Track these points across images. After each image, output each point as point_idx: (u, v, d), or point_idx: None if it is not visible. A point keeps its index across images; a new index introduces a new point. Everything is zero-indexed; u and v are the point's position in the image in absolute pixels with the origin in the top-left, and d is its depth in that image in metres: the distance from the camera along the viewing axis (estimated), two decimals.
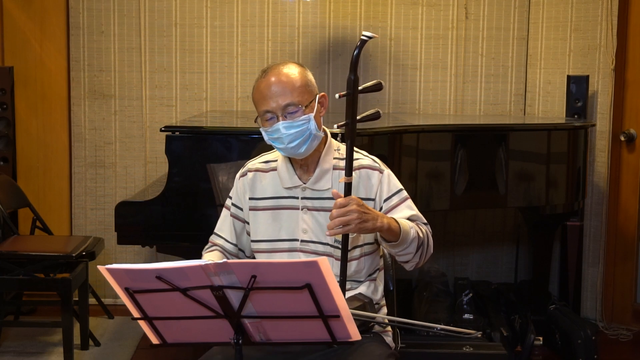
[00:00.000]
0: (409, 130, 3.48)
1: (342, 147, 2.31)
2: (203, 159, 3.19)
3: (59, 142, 4.61)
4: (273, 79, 2.20)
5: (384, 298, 2.39)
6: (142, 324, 1.90)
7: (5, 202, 4.01)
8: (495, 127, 3.91)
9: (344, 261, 2.14)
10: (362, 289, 2.28)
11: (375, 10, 4.59)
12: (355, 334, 1.84)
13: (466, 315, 3.94)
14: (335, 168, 2.27)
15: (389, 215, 2.19)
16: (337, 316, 1.79)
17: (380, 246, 2.33)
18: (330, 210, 2.10)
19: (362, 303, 2.25)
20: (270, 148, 2.39)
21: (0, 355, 3.87)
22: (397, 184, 2.29)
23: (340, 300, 1.77)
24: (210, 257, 2.33)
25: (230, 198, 2.39)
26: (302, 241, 2.26)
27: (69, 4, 4.54)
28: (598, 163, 4.45)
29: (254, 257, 2.40)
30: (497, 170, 3.71)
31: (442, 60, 4.63)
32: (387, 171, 2.29)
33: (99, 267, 1.81)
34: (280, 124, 2.18)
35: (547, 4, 4.54)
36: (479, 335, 2.04)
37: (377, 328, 2.33)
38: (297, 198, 2.27)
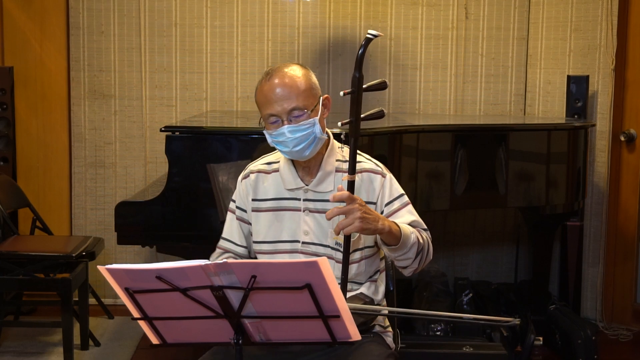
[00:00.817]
0: (409, 130, 3.48)
1: (345, 149, 2.30)
2: (203, 159, 3.19)
3: (59, 142, 4.61)
4: (277, 81, 2.18)
5: (384, 299, 2.39)
6: (142, 324, 1.90)
7: (5, 202, 4.01)
8: (495, 127, 3.91)
9: (346, 262, 2.13)
10: (363, 289, 2.28)
11: (375, 10, 4.59)
12: (355, 334, 1.84)
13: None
14: (337, 170, 2.27)
15: (390, 219, 2.19)
16: (337, 316, 1.79)
17: (381, 249, 2.33)
18: None
19: (362, 302, 2.25)
20: (271, 149, 2.39)
21: (0, 355, 3.87)
22: (399, 189, 2.29)
23: (340, 301, 1.77)
24: None
25: (234, 201, 2.38)
26: (304, 243, 2.26)
27: (69, 4, 4.54)
28: (598, 163, 4.45)
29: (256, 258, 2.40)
30: (497, 170, 3.72)
31: (442, 60, 4.63)
32: (390, 175, 2.29)
33: (99, 267, 1.81)
34: (285, 128, 2.17)
35: (547, 4, 4.54)
36: (517, 322, 2.01)
37: (377, 328, 2.33)
38: (299, 200, 2.27)
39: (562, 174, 3.90)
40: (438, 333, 3.70)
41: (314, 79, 2.25)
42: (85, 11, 4.55)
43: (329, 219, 2.07)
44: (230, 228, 2.38)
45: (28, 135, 4.57)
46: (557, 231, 4.38)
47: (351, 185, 2.10)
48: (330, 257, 2.22)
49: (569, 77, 4.35)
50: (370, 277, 2.31)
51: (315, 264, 1.70)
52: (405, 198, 2.28)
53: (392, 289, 2.50)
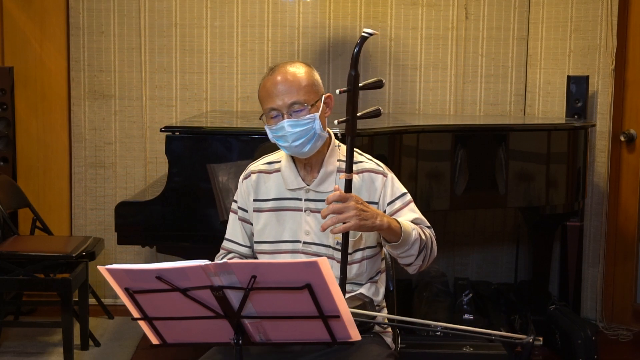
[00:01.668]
0: (409, 130, 3.48)
1: (343, 146, 2.30)
2: (203, 159, 3.19)
3: (59, 142, 4.61)
4: (279, 77, 2.20)
5: (384, 300, 2.39)
6: (142, 324, 1.90)
7: (5, 202, 4.01)
8: (495, 127, 3.91)
9: (344, 261, 2.13)
10: (363, 290, 2.28)
11: (375, 10, 4.59)
12: (355, 335, 1.84)
13: (466, 316, 3.94)
14: (339, 170, 2.27)
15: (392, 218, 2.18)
16: (337, 316, 1.79)
17: (382, 249, 2.33)
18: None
19: (362, 302, 2.25)
20: (271, 149, 2.39)
21: (0, 355, 3.87)
22: (401, 188, 2.29)
23: (340, 301, 1.77)
24: None
25: (236, 202, 2.38)
26: (305, 243, 2.26)
27: (69, 4, 4.54)
28: (598, 163, 4.45)
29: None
30: (497, 170, 3.72)
31: (442, 61, 4.63)
32: (391, 175, 2.29)
33: (99, 267, 1.81)
34: (285, 122, 2.17)
35: (547, 4, 4.54)
36: (531, 340, 2.01)
37: (377, 328, 2.33)
38: (301, 200, 2.27)
39: (562, 174, 3.90)
40: (438, 333, 3.70)
41: (317, 76, 2.26)
42: (85, 11, 4.55)
43: (323, 217, 2.07)
44: (233, 228, 2.38)
45: (28, 135, 4.57)
46: (557, 231, 4.38)
47: (349, 184, 2.10)
48: (331, 257, 2.22)
49: (569, 77, 4.35)
50: (372, 278, 2.31)
51: (315, 264, 1.70)
52: (408, 197, 2.28)
53: (392, 289, 2.50)
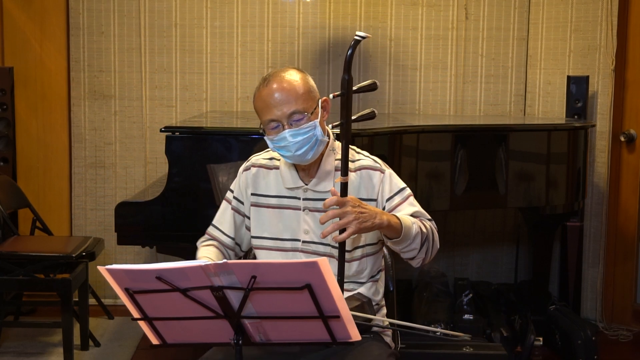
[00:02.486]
0: (409, 130, 3.48)
1: (338, 148, 2.30)
2: (203, 159, 3.19)
3: (59, 143, 4.61)
4: (275, 86, 2.18)
5: (383, 299, 2.39)
6: (142, 324, 1.90)
7: (5, 202, 4.01)
8: (495, 128, 3.91)
9: (342, 261, 2.14)
10: (363, 290, 2.28)
11: (375, 10, 4.59)
12: (355, 335, 1.84)
13: (466, 316, 3.94)
14: (337, 169, 2.27)
15: (392, 213, 2.18)
16: (337, 316, 1.79)
17: (383, 246, 2.33)
18: None
19: (360, 302, 2.25)
20: None
21: (0, 356, 3.87)
22: (399, 183, 2.28)
23: (340, 301, 1.77)
24: (206, 252, 2.32)
25: (232, 191, 2.38)
26: (304, 242, 2.26)
27: (69, 4, 4.54)
28: (598, 163, 4.45)
29: (250, 251, 2.40)
30: (497, 170, 3.72)
31: (442, 61, 4.63)
32: (389, 171, 2.29)
33: (98, 267, 1.81)
34: (287, 132, 2.16)
35: (547, 4, 4.54)
36: (468, 339, 2.04)
37: (376, 328, 2.33)
38: (299, 199, 2.27)
39: (562, 174, 3.90)
40: (438, 333, 3.70)
41: (312, 82, 2.25)
42: (85, 11, 4.55)
43: (322, 224, 2.08)
44: (222, 216, 2.39)
45: (28, 135, 4.57)
46: (557, 231, 4.38)
47: (344, 187, 2.10)
48: (330, 256, 2.23)
49: (569, 77, 4.35)
50: (373, 276, 2.31)
51: (315, 264, 1.70)
52: (407, 191, 2.27)
53: (392, 289, 2.50)
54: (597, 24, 4.39)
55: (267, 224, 2.30)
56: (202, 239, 2.42)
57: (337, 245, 2.22)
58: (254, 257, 2.39)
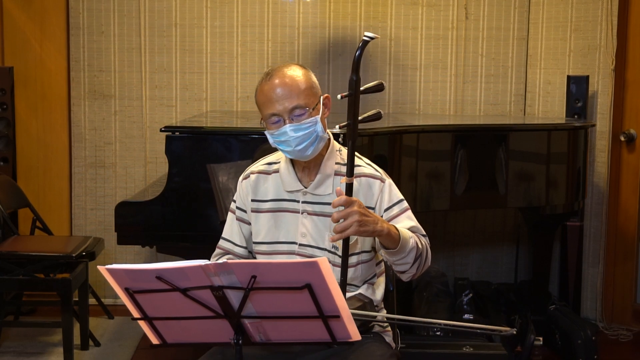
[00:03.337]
0: (409, 130, 3.48)
1: (344, 150, 2.30)
2: (203, 159, 3.19)
3: (59, 142, 4.61)
4: (277, 81, 2.18)
5: (382, 302, 2.39)
6: (142, 324, 1.90)
7: (5, 202, 4.01)
8: (495, 127, 3.91)
9: (345, 263, 2.13)
10: (362, 290, 2.28)
11: (375, 10, 4.59)
12: (355, 334, 1.84)
13: (466, 316, 3.94)
14: (337, 174, 2.26)
15: None
16: (337, 316, 1.79)
17: (377, 253, 2.33)
18: (330, 216, 2.10)
19: (362, 303, 2.25)
20: (271, 150, 2.39)
21: (0, 356, 3.87)
22: (398, 194, 2.28)
23: (340, 301, 1.77)
24: None
25: (235, 202, 2.38)
26: (301, 245, 2.26)
27: (69, 4, 4.54)
28: (598, 163, 4.45)
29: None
30: (497, 170, 3.72)
31: (442, 61, 4.63)
32: (389, 181, 2.28)
33: (98, 267, 1.81)
34: (288, 127, 2.16)
35: (547, 4, 4.54)
36: (514, 332, 2.04)
37: (377, 328, 2.33)
38: (298, 202, 2.27)
39: (562, 174, 3.90)
40: (438, 333, 3.70)
41: (314, 78, 2.25)
42: (85, 11, 4.55)
43: (335, 222, 2.07)
44: (231, 228, 2.38)
45: (28, 135, 4.57)
46: (557, 231, 4.38)
47: (349, 188, 2.10)
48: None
49: (569, 77, 4.35)
50: (367, 280, 2.31)
51: (315, 264, 1.70)
52: (405, 204, 2.27)
53: (392, 289, 2.50)
54: (597, 24, 4.39)
55: (265, 229, 2.30)
56: (214, 255, 2.40)
57: (333, 250, 2.22)
58: None
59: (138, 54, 4.58)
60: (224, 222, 2.42)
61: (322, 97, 2.23)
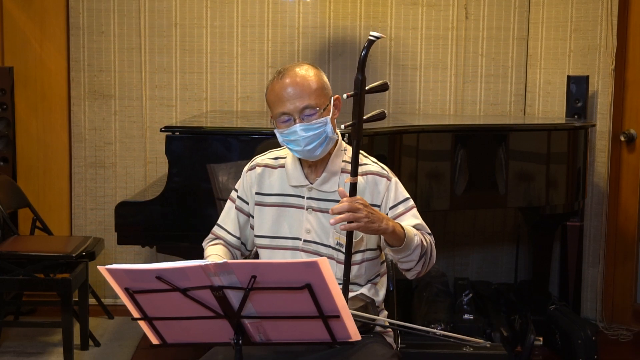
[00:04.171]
0: (409, 130, 3.48)
1: (349, 149, 2.30)
2: (203, 159, 3.19)
3: (59, 142, 4.61)
4: (289, 80, 2.19)
5: (383, 302, 2.39)
6: (142, 324, 1.90)
7: (5, 202, 4.01)
8: (495, 127, 3.91)
9: (348, 263, 2.14)
10: (364, 290, 2.28)
11: (375, 10, 4.59)
12: (355, 334, 1.84)
13: (466, 316, 3.94)
14: (343, 171, 2.27)
15: None
16: (337, 316, 1.79)
17: (382, 252, 2.33)
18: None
19: (364, 303, 2.25)
20: (273, 146, 2.39)
21: (0, 356, 3.87)
22: (404, 193, 2.29)
23: (340, 301, 1.77)
24: (213, 250, 2.33)
25: (236, 191, 2.39)
26: (305, 241, 2.26)
27: (69, 4, 4.54)
28: (598, 163, 4.45)
29: (255, 251, 2.40)
30: (497, 170, 3.72)
31: (442, 61, 4.63)
32: (395, 179, 2.29)
33: (98, 267, 1.81)
34: (298, 127, 2.17)
35: (547, 4, 4.54)
36: (488, 345, 2.05)
37: (378, 328, 2.33)
38: (303, 197, 2.27)
39: (562, 174, 3.90)
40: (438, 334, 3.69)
41: (325, 79, 2.26)
42: (85, 11, 4.55)
43: (333, 214, 2.07)
44: (227, 216, 2.39)
45: (28, 135, 4.57)
46: (557, 231, 4.38)
47: (353, 188, 2.10)
48: (331, 258, 2.23)
49: (569, 77, 4.35)
50: (371, 280, 2.31)
51: (315, 264, 1.70)
52: (410, 202, 2.28)
53: (392, 289, 2.50)
54: (597, 24, 4.39)
55: (269, 223, 2.30)
56: (207, 239, 2.42)
57: (337, 247, 2.22)
58: (257, 257, 2.39)
59: (138, 54, 4.58)
60: None
61: (332, 97, 2.24)
